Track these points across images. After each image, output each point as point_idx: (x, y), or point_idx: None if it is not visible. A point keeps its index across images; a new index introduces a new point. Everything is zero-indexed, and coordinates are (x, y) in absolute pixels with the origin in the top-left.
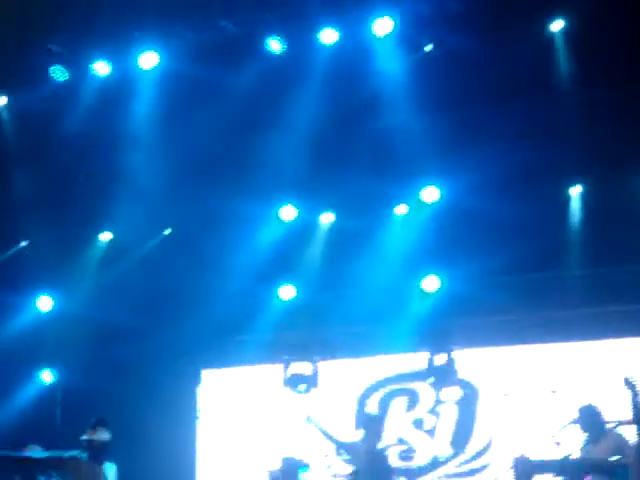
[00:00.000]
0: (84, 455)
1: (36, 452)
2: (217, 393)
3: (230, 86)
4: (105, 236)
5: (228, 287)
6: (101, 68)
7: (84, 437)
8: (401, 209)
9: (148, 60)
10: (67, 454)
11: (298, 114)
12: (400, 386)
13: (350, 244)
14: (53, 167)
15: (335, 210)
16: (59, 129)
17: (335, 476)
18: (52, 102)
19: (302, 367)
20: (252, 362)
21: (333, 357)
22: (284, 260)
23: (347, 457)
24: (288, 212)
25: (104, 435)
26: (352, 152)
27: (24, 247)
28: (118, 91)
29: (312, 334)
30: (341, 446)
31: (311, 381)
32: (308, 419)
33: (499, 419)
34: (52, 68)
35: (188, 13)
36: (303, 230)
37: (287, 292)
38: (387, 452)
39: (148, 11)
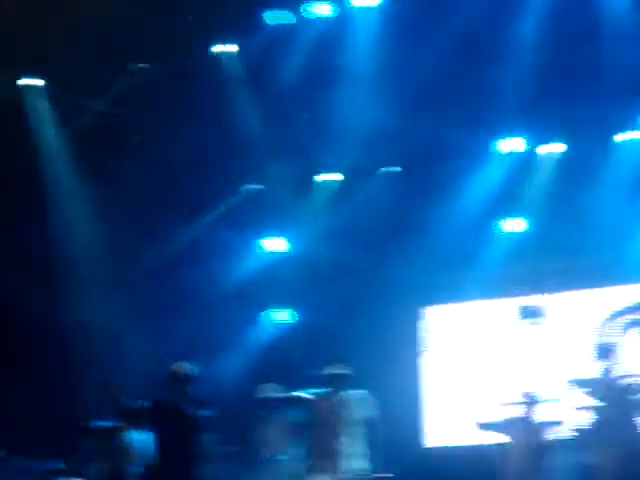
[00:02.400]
0: (323, 391)
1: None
2: (442, 328)
3: (451, 16)
4: (332, 176)
5: (455, 221)
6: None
7: (323, 372)
8: (623, 135)
9: None
10: (306, 392)
11: (521, 43)
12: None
13: (577, 173)
14: (277, 110)
15: (561, 139)
16: (282, 71)
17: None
18: (273, 44)
19: (532, 300)
20: (480, 297)
21: (564, 289)
22: (512, 192)
23: (585, 390)
24: (515, 144)
25: (341, 369)
26: (574, 80)
27: (258, 190)
28: (338, 27)
29: (542, 266)
30: (580, 383)
31: (541, 314)
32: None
33: None
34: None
35: None
36: (530, 161)
37: (516, 224)
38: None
39: None
